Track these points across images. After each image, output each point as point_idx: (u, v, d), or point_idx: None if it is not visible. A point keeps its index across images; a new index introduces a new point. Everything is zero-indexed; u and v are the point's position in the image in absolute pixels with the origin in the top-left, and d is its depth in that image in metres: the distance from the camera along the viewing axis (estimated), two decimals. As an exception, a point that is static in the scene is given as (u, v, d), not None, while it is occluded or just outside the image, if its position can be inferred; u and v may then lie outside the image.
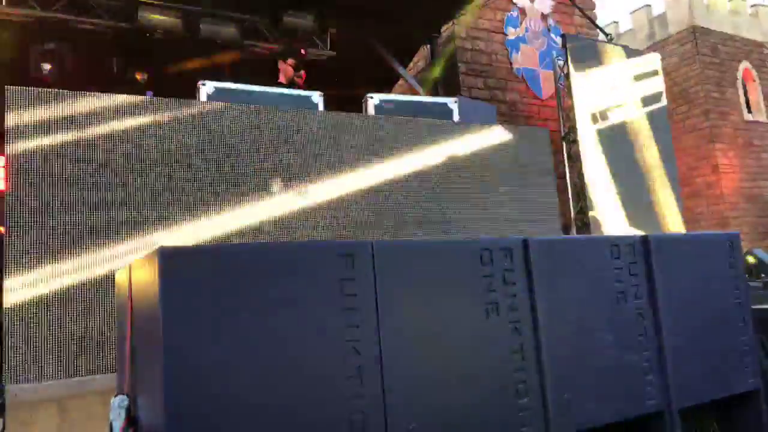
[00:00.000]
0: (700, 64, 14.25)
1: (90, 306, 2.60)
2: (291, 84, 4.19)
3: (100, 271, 2.65)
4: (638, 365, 1.96)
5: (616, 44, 8.62)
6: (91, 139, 2.79)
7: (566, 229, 6.85)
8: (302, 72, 4.26)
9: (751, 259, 8.02)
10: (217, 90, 3.21)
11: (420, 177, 3.55)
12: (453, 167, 3.68)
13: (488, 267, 1.75)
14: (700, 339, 2.11)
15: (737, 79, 14.94)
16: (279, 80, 4.24)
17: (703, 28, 14.57)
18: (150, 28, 6.02)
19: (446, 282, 1.68)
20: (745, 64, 15.22)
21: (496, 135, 3.95)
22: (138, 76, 6.38)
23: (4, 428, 2.26)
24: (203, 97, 3.20)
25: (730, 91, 14.66)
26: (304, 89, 4.32)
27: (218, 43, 6.36)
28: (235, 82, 3.33)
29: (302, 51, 4.39)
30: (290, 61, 4.28)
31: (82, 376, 2.48)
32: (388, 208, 3.40)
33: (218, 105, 3.05)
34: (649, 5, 15.96)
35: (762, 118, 15.12)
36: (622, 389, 1.92)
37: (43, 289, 2.53)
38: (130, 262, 1.74)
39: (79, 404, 2.24)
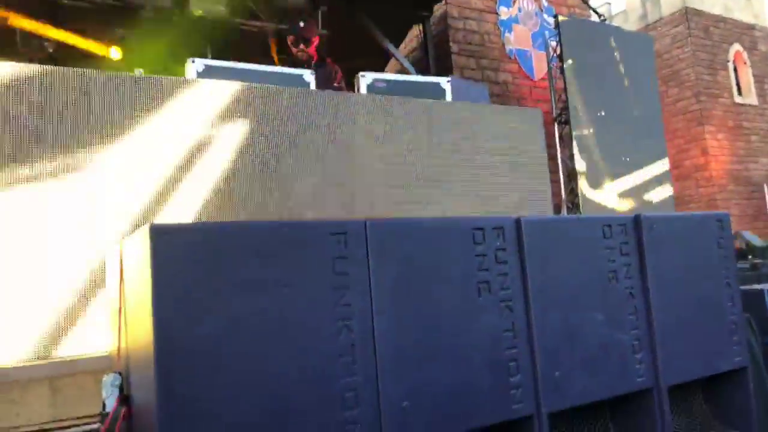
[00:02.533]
0: (691, 45, 14.24)
1: (82, 284, 2.58)
2: (298, 61, 4.08)
3: (91, 249, 2.63)
4: (628, 343, 1.98)
5: (609, 24, 8.58)
6: (79, 116, 2.75)
7: (558, 209, 6.88)
8: (303, 47, 4.13)
9: (739, 242, 8.11)
10: (207, 67, 3.17)
11: (411, 156, 3.53)
12: (445, 147, 3.67)
13: (480, 246, 1.75)
14: (690, 318, 2.14)
15: (728, 61, 14.95)
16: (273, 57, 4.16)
17: (695, 9, 14.53)
18: (140, 4, 5.91)
19: (439, 260, 1.68)
20: (736, 47, 15.23)
21: (489, 115, 3.94)
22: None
23: (-5, 407, 2.25)
24: (193, 74, 3.16)
25: (721, 74, 14.68)
26: (318, 61, 4.20)
27: (209, 20, 6.26)
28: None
29: (301, 24, 4.23)
30: (289, 38, 4.19)
31: (73, 355, 2.47)
32: (380, 188, 3.39)
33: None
34: (643, -14, 15.88)
35: (752, 101, 15.18)
36: (613, 367, 1.94)
37: (33, 266, 2.51)
38: (121, 240, 1.73)
39: (71, 383, 2.23)
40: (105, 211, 2.71)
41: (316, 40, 4.18)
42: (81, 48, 5.83)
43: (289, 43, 4.19)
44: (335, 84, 4.09)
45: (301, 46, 4.13)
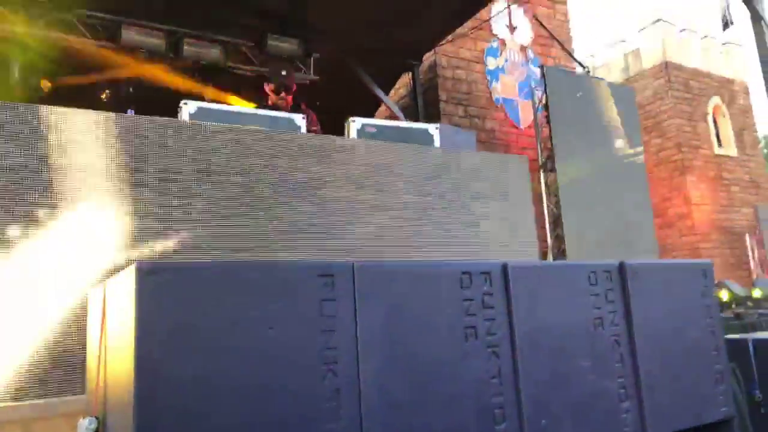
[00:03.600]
0: (672, 98, 14.67)
1: (60, 326, 2.53)
2: (275, 107, 4.18)
3: (71, 290, 2.58)
4: (615, 392, 1.97)
5: (593, 77, 8.84)
6: (68, 156, 2.75)
7: (544, 256, 6.91)
8: (284, 94, 4.24)
9: (723, 292, 8.17)
10: (200, 109, 3.20)
11: (399, 201, 3.56)
12: (433, 192, 3.70)
13: (468, 290, 1.75)
14: (675, 367, 2.14)
15: (708, 113, 15.40)
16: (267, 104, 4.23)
17: (675, 63, 15.04)
18: (134, 47, 6.02)
19: (426, 304, 1.68)
20: (715, 100, 15.72)
21: (476, 162, 4.00)
22: (43, 84, 6.23)
23: (-36, 452, 2.17)
24: (185, 116, 3.18)
25: (701, 125, 15.09)
26: (293, 106, 4.31)
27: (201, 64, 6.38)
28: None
29: (283, 72, 4.34)
30: (270, 85, 4.27)
31: (49, 397, 2.40)
32: (369, 231, 3.39)
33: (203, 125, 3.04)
34: (624, 40, 16.46)
35: (732, 153, 15.57)
36: (600, 416, 1.92)
37: (11, 308, 2.46)
38: (105, 281, 1.71)
39: (46, 426, 2.16)
40: (88, 249, 2.68)
41: (294, 90, 4.30)
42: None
43: (269, 90, 4.28)
44: (313, 127, 4.18)
45: (282, 94, 4.22)
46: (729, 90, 16.16)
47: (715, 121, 15.60)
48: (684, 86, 15.05)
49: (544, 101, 7.68)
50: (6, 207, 2.55)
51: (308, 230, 3.23)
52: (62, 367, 2.50)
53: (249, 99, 6.17)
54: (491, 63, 9.19)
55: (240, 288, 1.42)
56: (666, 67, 14.86)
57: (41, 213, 2.64)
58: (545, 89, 7.62)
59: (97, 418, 1.60)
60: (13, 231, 2.56)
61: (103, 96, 6.58)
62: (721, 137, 15.60)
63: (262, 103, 4.31)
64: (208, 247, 2.92)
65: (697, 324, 2.27)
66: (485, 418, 1.69)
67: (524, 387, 1.77)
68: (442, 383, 1.64)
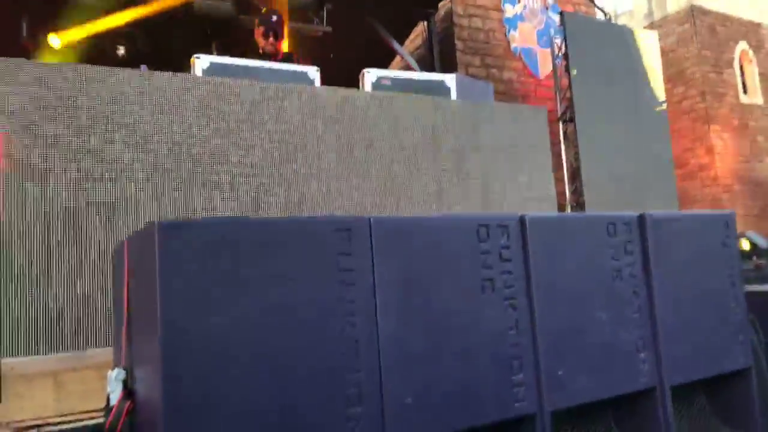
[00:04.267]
0: (697, 44, 14.19)
1: (87, 279, 2.59)
2: (265, 54, 4.05)
3: (96, 244, 2.64)
4: (632, 342, 1.98)
5: (614, 23, 8.56)
6: (81, 114, 2.75)
7: (562, 209, 6.86)
8: (272, 39, 4.05)
9: (744, 242, 8.09)
10: (213, 65, 3.17)
11: (415, 154, 3.53)
12: (449, 145, 3.66)
13: (485, 243, 1.75)
14: (694, 317, 2.13)
15: (734, 59, 14.90)
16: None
17: (701, 7, 14.48)
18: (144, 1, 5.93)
19: (443, 258, 1.68)
20: (742, 45, 15.17)
21: (494, 113, 3.94)
22: (50, 39, 6.13)
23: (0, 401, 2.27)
24: (198, 71, 3.16)
25: (727, 72, 14.63)
26: (284, 55, 4.21)
27: (212, 18, 6.27)
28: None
29: (273, 18, 4.15)
30: (260, 28, 4.13)
31: (78, 349, 2.48)
32: (384, 185, 3.39)
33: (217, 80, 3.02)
34: (649, -16, 15.83)
35: (758, 101, 15.13)
36: (616, 366, 1.94)
37: (38, 261, 2.52)
38: (127, 236, 1.73)
39: (76, 378, 2.24)
40: (118, 205, 2.72)
41: (285, 37, 4.14)
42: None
43: (258, 34, 4.13)
44: None
45: (271, 39, 4.06)
46: (756, 34, 15.57)
47: (741, 68, 15.10)
48: (709, 31, 14.52)
49: (563, 50, 7.47)
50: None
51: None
52: (90, 320, 2.58)
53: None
54: (509, 10, 8.91)
55: (258, 243, 1.43)
56: (691, 11, 14.32)
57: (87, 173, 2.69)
58: (565, 37, 7.40)
59: (125, 369, 1.65)
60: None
61: (120, 52, 6.50)
62: (746, 84, 15.13)
63: (255, 52, 4.16)
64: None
65: (716, 275, 2.26)
66: (502, 369, 1.71)
67: (540, 338, 1.79)
68: (459, 335, 1.66)
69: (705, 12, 14.53)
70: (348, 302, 1.51)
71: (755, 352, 2.33)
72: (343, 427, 1.45)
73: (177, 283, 1.32)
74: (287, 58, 4.19)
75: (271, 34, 4.08)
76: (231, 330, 1.36)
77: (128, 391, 1.59)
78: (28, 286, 2.48)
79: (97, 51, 6.08)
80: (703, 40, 14.31)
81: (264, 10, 4.84)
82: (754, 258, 7.70)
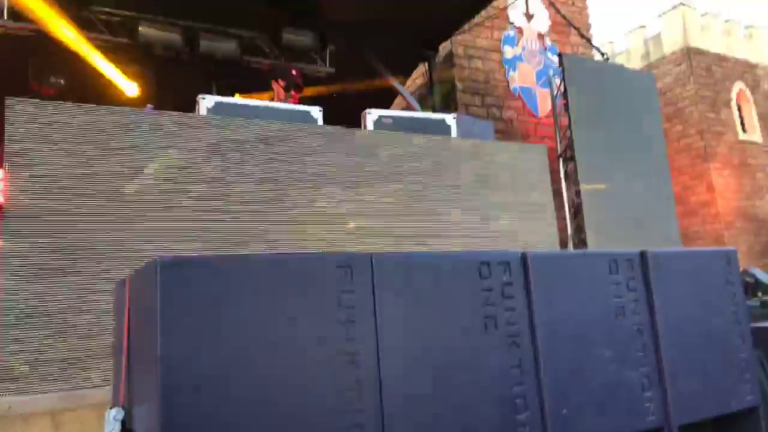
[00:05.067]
0: (694, 84, 14.40)
1: (87, 318, 2.58)
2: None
3: (98, 283, 2.63)
4: (637, 381, 1.95)
5: (612, 63, 8.71)
6: (91, 152, 2.79)
7: (564, 246, 6.85)
8: (293, 92, 4.28)
9: (747, 279, 8.02)
10: (217, 104, 3.23)
11: (418, 192, 3.56)
12: (451, 184, 3.69)
13: (487, 281, 1.75)
14: (699, 355, 2.11)
15: (731, 99, 15.09)
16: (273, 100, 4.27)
17: (697, 48, 14.74)
18: (150, 43, 6.07)
19: (445, 295, 1.68)
20: (739, 85, 15.39)
21: (494, 152, 3.98)
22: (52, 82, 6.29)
23: (-5, 442, 2.23)
24: (203, 110, 3.21)
25: (724, 111, 14.79)
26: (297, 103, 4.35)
27: (217, 59, 6.41)
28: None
29: (293, 72, 4.40)
30: (281, 81, 4.31)
31: (76, 389, 2.46)
32: (387, 221, 3.40)
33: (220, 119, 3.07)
34: (644, 26, 16.17)
35: (756, 138, 15.26)
36: (622, 405, 1.91)
37: (40, 300, 2.51)
38: (128, 274, 1.74)
39: (74, 417, 2.21)
40: (118, 243, 2.73)
41: (302, 88, 4.35)
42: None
43: (278, 87, 4.32)
44: None
45: (291, 92, 4.28)
46: (753, 74, 15.81)
47: (739, 107, 15.27)
48: (706, 71, 14.75)
49: (562, 89, 7.58)
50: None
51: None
52: (88, 358, 2.56)
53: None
54: (508, 52, 9.10)
55: (260, 281, 1.43)
56: (687, 52, 14.58)
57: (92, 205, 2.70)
58: (563, 77, 7.52)
59: (123, 408, 1.63)
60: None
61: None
62: (745, 123, 15.28)
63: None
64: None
65: (721, 312, 2.24)
66: (506, 408, 1.69)
67: (545, 377, 1.77)
68: (463, 373, 1.64)
69: (701, 52, 14.80)
70: (349, 340, 1.50)
71: (762, 390, 2.29)
72: (344, 468, 1.42)
73: (177, 320, 1.31)
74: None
75: (292, 88, 4.26)
76: (230, 368, 1.34)
77: (126, 431, 1.57)
78: (27, 324, 2.47)
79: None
80: (700, 80, 14.53)
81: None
82: (759, 294, 7.64)
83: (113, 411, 1.61)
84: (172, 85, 6.32)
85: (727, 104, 14.94)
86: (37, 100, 2.79)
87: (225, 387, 1.33)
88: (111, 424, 1.59)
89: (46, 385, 2.44)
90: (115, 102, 3.13)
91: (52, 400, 2.34)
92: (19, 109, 2.70)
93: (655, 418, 1.94)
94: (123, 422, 1.59)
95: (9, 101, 2.72)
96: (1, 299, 2.46)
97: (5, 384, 2.36)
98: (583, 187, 7.13)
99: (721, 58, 15.18)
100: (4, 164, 2.67)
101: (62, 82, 6.33)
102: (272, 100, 4.34)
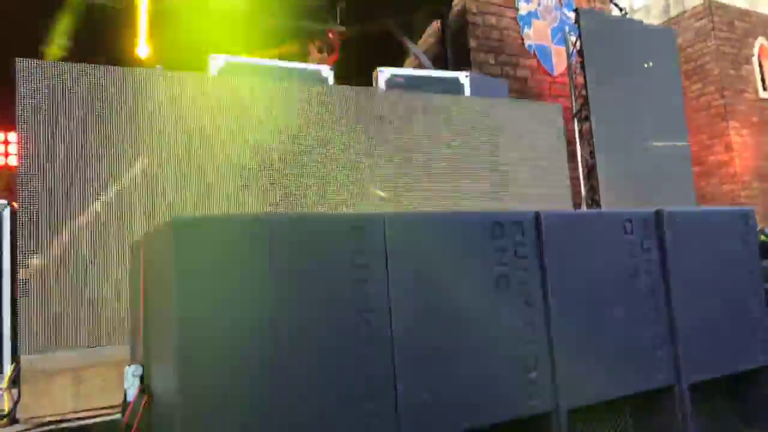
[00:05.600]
0: (715, 40, 13.98)
1: (105, 277, 2.62)
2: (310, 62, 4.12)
3: (114, 243, 2.66)
4: (649, 340, 1.95)
5: (630, 19, 8.46)
6: (105, 113, 2.79)
7: (577, 206, 6.80)
8: (326, 54, 4.20)
9: (764, 238, 7.94)
10: (228, 64, 3.19)
11: (431, 152, 3.53)
12: (464, 143, 3.65)
13: (500, 240, 1.74)
14: (712, 314, 2.10)
15: (753, 55, 14.65)
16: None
17: (719, 2, 14.25)
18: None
19: (457, 255, 1.68)
20: (761, 41, 14.91)
21: (508, 110, 3.92)
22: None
23: (20, 397, 2.30)
24: (214, 71, 3.18)
25: (745, 68, 14.39)
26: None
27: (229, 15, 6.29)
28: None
29: (329, 34, 4.29)
30: (317, 42, 4.23)
31: (96, 346, 2.51)
32: (400, 182, 3.39)
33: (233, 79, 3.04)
34: (665, -21, 15.61)
35: (778, 96, 14.85)
36: (632, 364, 1.92)
37: (59, 261, 2.55)
38: (144, 233, 1.75)
39: (94, 373, 2.27)
40: (131, 207, 2.75)
41: (336, 50, 4.27)
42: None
43: (313, 48, 4.23)
44: None
45: (325, 54, 4.19)
46: (777, 29, 15.28)
47: (760, 64, 14.84)
48: (728, 26, 14.29)
49: (578, 47, 7.39)
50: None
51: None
52: (109, 317, 2.61)
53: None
54: (523, 7, 8.86)
55: (273, 240, 1.44)
56: (709, 6, 14.10)
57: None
58: (579, 34, 7.32)
59: (141, 364, 1.66)
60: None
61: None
62: (766, 80, 14.86)
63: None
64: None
65: (736, 272, 2.22)
66: (517, 366, 1.70)
67: (556, 335, 1.78)
68: (474, 331, 1.66)
69: (723, 7, 14.31)
70: (362, 299, 1.51)
71: (775, 350, 2.29)
72: (357, 422, 1.45)
73: (191, 278, 1.33)
74: None
75: (326, 50, 4.18)
76: (245, 326, 1.36)
77: (145, 387, 1.61)
78: (48, 283, 2.52)
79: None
80: (721, 35, 14.09)
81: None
82: (775, 255, 7.56)
83: (132, 367, 1.65)
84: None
85: (749, 61, 14.51)
86: (49, 61, 2.77)
87: (240, 344, 1.35)
88: (129, 379, 1.63)
89: (67, 342, 2.50)
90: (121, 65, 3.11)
91: (73, 357, 2.40)
92: (30, 70, 2.68)
93: (665, 377, 1.96)
94: (141, 378, 1.63)
95: (20, 63, 2.70)
96: (21, 260, 2.50)
97: (27, 342, 2.42)
98: (597, 146, 7.02)
99: (743, 13, 14.68)
100: (17, 127, 2.67)
101: (71, 44, 6.26)
102: (306, 60, 4.25)
